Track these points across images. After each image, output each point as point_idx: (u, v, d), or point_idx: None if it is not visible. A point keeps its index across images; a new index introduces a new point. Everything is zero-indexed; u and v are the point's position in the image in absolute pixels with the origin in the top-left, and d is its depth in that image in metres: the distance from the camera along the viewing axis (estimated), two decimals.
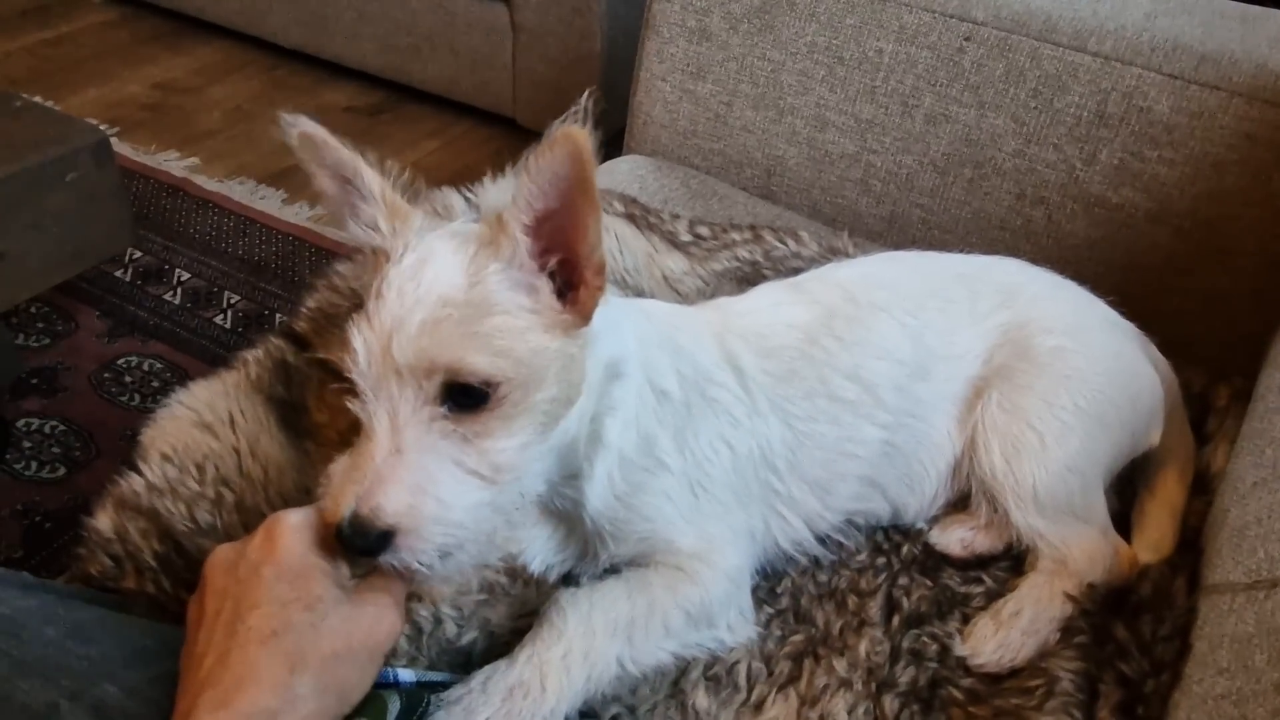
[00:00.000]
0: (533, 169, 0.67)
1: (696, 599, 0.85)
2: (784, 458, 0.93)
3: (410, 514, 0.66)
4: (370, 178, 0.75)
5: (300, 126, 0.74)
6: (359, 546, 0.67)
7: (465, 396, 0.69)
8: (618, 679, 0.80)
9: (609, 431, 0.82)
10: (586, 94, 0.72)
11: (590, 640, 0.78)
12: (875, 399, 0.96)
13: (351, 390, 0.71)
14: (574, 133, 0.64)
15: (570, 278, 0.73)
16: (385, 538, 0.66)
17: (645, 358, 0.86)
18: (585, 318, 0.74)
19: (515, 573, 0.90)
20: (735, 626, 0.88)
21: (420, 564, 0.68)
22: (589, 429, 0.81)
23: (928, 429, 0.99)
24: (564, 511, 0.87)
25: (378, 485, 0.67)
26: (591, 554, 0.89)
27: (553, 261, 0.72)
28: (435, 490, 0.68)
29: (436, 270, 0.71)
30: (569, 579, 0.90)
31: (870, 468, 0.97)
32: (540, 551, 0.89)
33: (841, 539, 0.98)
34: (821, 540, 0.97)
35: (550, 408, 0.73)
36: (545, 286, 0.73)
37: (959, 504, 1.02)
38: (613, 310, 0.81)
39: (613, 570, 0.88)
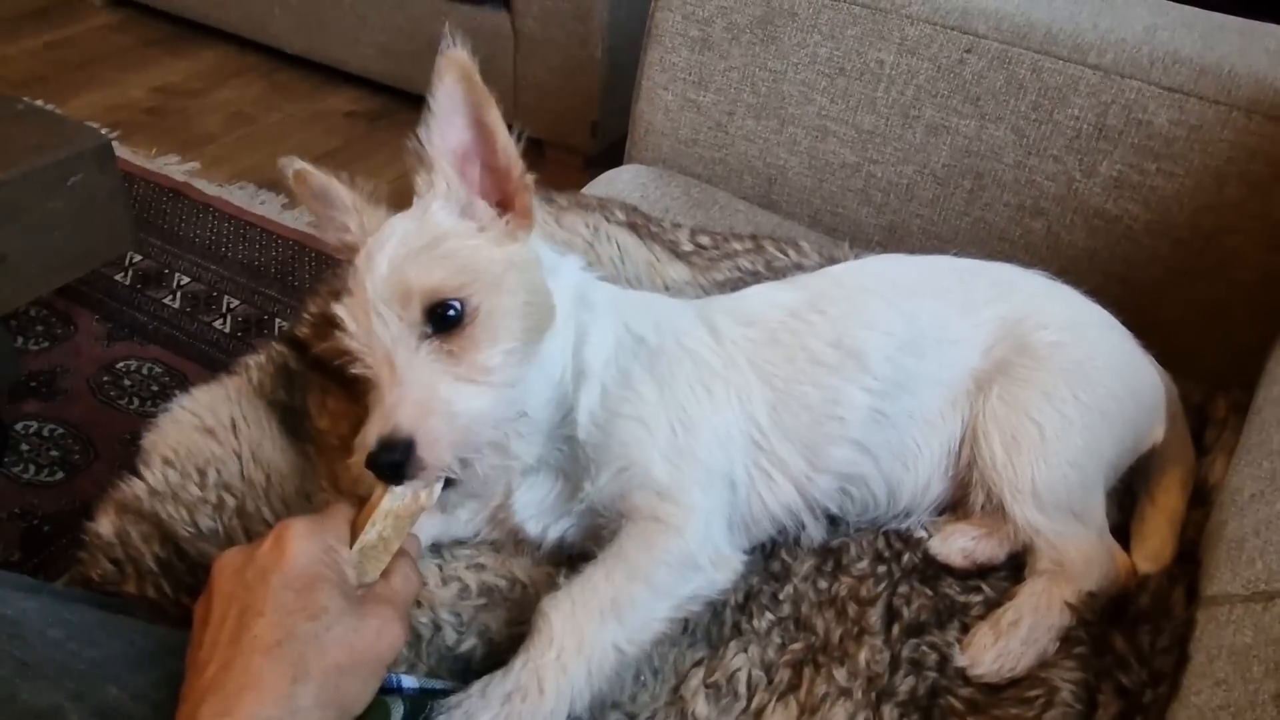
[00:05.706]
0: (433, 105, 0.77)
1: (674, 547, 0.85)
2: (765, 413, 0.95)
3: (423, 420, 0.74)
4: (341, 192, 0.87)
5: (295, 165, 0.87)
6: (389, 461, 0.74)
7: (444, 319, 0.77)
8: (619, 664, 0.80)
9: (592, 362, 0.89)
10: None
11: (579, 634, 0.78)
12: (860, 364, 0.97)
13: (356, 372, 0.80)
14: (453, 56, 0.75)
15: (504, 189, 0.84)
16: (409, 447, 0.74)
17: (623, 311, 0.94)
18: (526, 214, 0.84)
19: (513, 579, 0.90)
20: (719, 562, 0.88)
21: (443, 466, 0.75)
22: (573, 362, 0.89)
23: (919, 404, 1.00)
24: (560, 464, 0.91)
25: (393, 413, 0.75)
26: (578, 494, 0.90)
27: (486, 182, 0.84)
28: (438, 400, 0.76)
29: (395, 230, 0.81)
30: (564, 571, 0.90)
31: (859, 432, 0.98)
32: (535, 512, 0.92)
33: (834, 509, 0.99)
34: (814, 510, 0.98)
35: (525, 313, 0.82)
36: (482, 206, 0.84)
37: (955, 508, 1.02)
38: (557, 256, 0.93)
39: (596, 544, 0.88)
